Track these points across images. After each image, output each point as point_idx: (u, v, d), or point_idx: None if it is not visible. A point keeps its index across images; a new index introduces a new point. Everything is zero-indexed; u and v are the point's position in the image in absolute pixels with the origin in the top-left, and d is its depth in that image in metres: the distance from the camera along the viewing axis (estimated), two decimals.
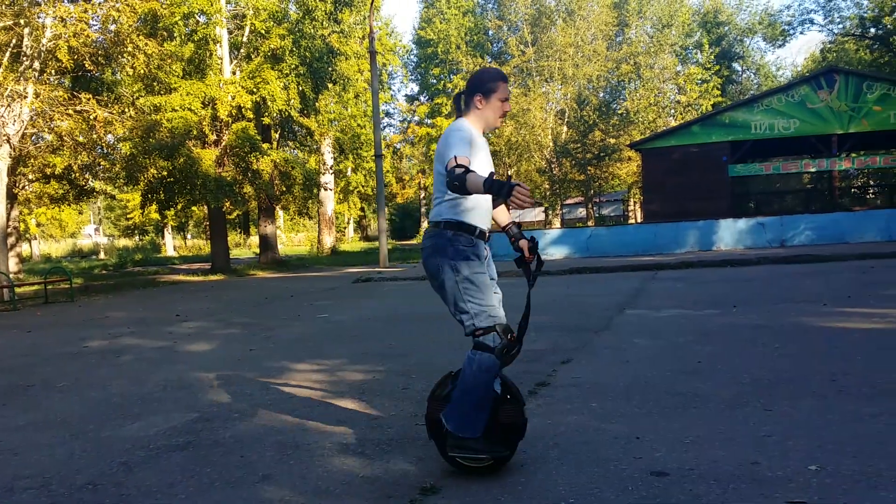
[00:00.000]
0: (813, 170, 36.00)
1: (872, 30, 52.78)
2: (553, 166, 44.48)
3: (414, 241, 52.73)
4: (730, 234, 21.48)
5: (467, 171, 3.21)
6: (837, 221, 21.47)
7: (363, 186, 41.70)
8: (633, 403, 4.69)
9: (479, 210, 3.60)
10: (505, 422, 3.55)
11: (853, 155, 35.11)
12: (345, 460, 3.90)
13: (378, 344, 7.84)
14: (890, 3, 48.83)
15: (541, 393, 5.12)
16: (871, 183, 47.61)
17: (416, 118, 59.01)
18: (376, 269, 21.89)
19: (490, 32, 55.28)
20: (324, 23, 25.51)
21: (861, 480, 3.12)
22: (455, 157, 3.30)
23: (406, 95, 63.40)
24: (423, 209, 64.27)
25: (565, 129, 45.82)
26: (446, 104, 54.93)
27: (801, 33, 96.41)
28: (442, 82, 56.53)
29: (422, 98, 60.40)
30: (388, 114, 60.14)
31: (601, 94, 49.24)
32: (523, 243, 3.71)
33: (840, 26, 58.04)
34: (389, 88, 54.30)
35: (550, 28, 46.51)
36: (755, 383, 5.02)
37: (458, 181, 3.20)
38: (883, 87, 31.20)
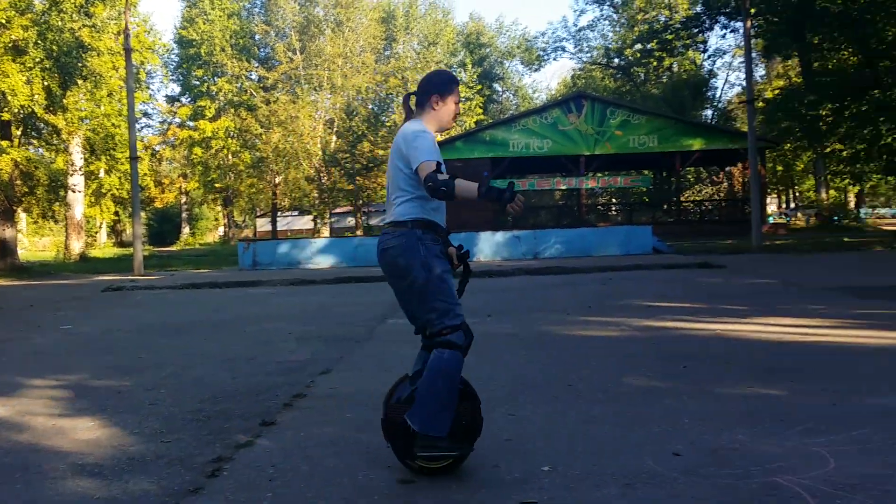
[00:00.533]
0: (564, 187, 38.82)
1: (616, 60, 57.97)
2: (322, 175, 44.39)
3: (174, 248, 50.22)
4: (489, 246, 22.57)
5: (454, 177, 3.31)
6: (583, 236, 23.24)
7: (118, 189, 39.07)
8: None
9: (442, 210, 3.66)
10: (464, 420, 3.56)
11: (598, 175, 38.17)
12: (80, 482, 3.61)
13: (127, 356, 7.37)
14: (631, 37, 53.80)
15: (296, 405, 5.06)
16: (614, 201, 52.14)
17: (178, 120, 56.47)
18: (130, 277, 20.62)
19: (257, 37, 54.27)
20: (73, 15, 23.75)
21: (586, 479, 3.37)
22: (437, 163, 3.37)
23: (167, 96, 60.51)
24: (184, 214, 61.50)
25: (334, 138, 45.96)
26: (210, 107, 53.09)
27: (555, 59, 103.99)
28: (205, 84, 54.55)
29: (183, 99, 57.89)
30: (146, 114, 56.95)
31: (370, 106, 49.96)
32: (451, 251, 3.66)
33: (588, 55, 63.17)
34: (148, 88, 51.44)
35: (319, 37, 46.53)
36: (503, 389, 5.28)
37: (446, 187, 3.29)
38: (624, 114, 34.29)
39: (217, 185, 52.93)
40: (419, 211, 3.56)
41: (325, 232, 47.26)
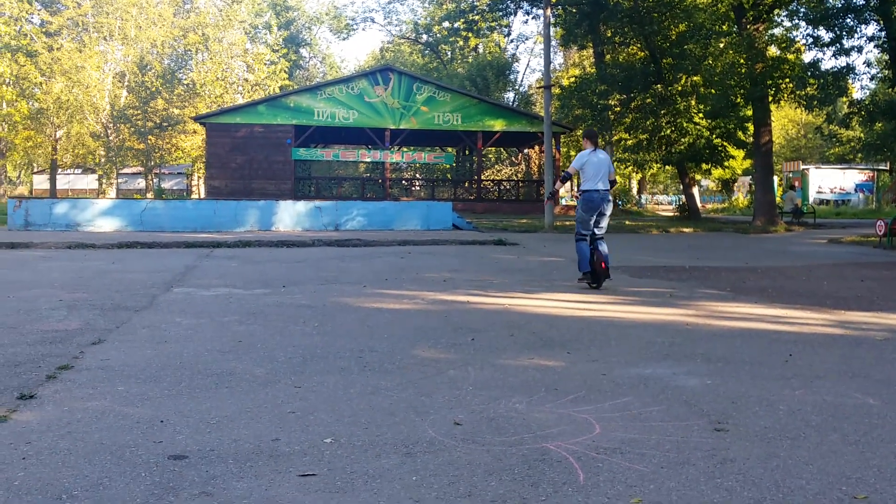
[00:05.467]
0: (368, 160, 38.75)
1: (425, 36, 58.55)
2: (109, 131, 41.58)
3: None
4: (289, 215, 22.09)
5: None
6: (385, 209, 23.31)
7: None
8: (164, 385, 4.50)
9: None
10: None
11: (403, 149, 38.40)
12: None
13: None
14: (440, 14, 54.45)
15: (61, 377, 4.65)
16: (418, 176, 52.76)
17: None
18: None
19: None
20: None
21: (368, 449, 3.35)
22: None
23: None
24: None
25: (125, 93, 43.14)
26: None
27: (364, 30, 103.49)
28: None
29: None
30: None
31: (166, 62, 47.26)
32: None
33: (398, 29, 63.36)
34: None
35: None
36: (289, 361, 5.16)
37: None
38: (430, 90, 34.69)
39: None
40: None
41: (111, 193, 44.32)
